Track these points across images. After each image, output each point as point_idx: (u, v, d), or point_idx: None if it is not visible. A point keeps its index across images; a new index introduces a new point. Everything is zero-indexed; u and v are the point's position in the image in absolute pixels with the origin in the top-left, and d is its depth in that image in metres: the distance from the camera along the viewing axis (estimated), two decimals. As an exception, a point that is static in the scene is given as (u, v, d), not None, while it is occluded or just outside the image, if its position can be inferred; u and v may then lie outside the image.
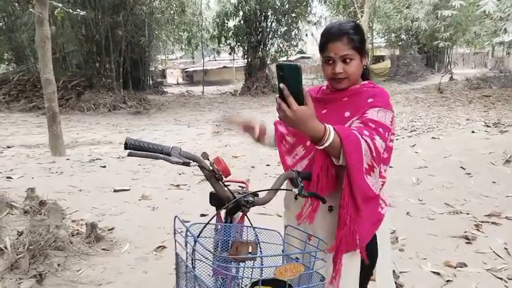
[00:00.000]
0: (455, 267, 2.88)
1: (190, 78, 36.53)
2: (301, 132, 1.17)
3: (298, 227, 1.26)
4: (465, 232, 3.37)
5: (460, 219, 3.68)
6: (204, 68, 25.68)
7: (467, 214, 3.74)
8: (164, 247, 3.33)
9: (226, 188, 1.10)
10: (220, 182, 1.10)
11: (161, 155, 1.04)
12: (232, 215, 1.13)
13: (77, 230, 3.52)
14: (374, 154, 1.27)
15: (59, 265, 2.84)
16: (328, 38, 1.42)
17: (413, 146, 6.16)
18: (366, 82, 1.51)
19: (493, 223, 3.54)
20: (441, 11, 12.13)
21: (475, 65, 34.96)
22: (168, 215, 4.07)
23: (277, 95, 1.11)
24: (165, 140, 8.67)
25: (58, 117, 6.85)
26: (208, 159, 1.11)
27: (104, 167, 6.05)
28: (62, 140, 6.96)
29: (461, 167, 4.88)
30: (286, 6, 20.88)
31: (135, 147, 1.02)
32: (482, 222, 3.56)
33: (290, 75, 1.09)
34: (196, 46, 24.30)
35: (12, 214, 3.53)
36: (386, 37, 28.24)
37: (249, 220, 1.10)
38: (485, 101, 13.30)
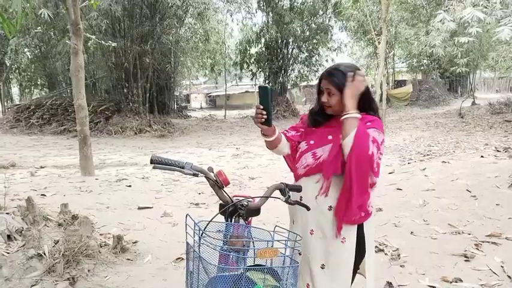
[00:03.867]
0: (451, 282, 3.06)
1: (213, 102, 37.47)
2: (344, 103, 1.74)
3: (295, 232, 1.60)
4: (465, 251, 3.55)
5: (461, 239, 3.85)
6: (227, 92, 26.40)
7: (469, 234, 3.92)
8: (182, 259, 3.63)
9: (226, 194, 1.42)
10: (222, 190, 1.42)
11: (177, 168, 1.37)
12: (232, 216, 1.44)
13: (105, 242, 3.88)
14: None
15: (88, 271, 3.19)
16: (322, 75, 1.90)
17: (424, 169, 6.34)
18: (363, 114, 1.90)
19: (492, 243, 3.70)
20: (458, 37, 12.29)
21: (500, 89, 34.56)
22: (187, 230, 4.43)
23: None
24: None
25: (89, 140, 7.36)
26: (212, 172, 1.44)
27: (130, 186, 6.45)
28: (92, 161, 7.45)
29: (468, 190, 5.04)
30: (307, 33, 21.46)
31: (158, 162, 1.36)
32: (483, 242, 3.73)
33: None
34: (219, 72, 25.12)
35: (48, 226, 3.93)
36: (407, 62, 28.41)
37: (249, 223, 1.42)
38: (507, 126, 13.23)
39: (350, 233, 1.86)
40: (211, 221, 1.33)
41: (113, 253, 3.63)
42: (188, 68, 25.38)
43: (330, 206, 1.82)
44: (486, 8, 11.04)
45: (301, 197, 1.85)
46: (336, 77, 1.80)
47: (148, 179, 7.11)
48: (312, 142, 1.91)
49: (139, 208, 5.23)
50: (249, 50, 22.16)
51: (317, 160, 1.83)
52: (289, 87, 22.77)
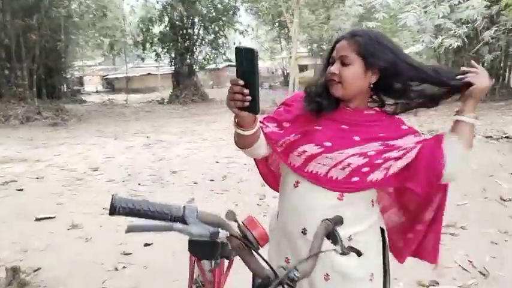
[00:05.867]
0: (428, 286, 2.79)
1: (110, 85, 34.79)
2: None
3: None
4: (427, 246, 3.33)
5: (418, 232, 3.65)
6: (127, 74, 24.48)
7: (425, 226, 3.73)
8: (107, 290, 2.83)
9: (263, 261, 0.75)
10: (256, 254, 0.75)
11: (175, 225, 0.66)
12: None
13: (-6, 275, 2.88)
14: None
15: (-29, 328, 2.24)
16: (338, 38, 1.30)
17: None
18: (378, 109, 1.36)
19: (450, 234, 3.56)
20: (365, 22, 12.73)
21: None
22: (105, 246, 3.54)
23: None
24: (91, 155, 7.85)
25: (-40, 133, 5.87)
26: (236, 221, 0.75)
27: (21, 190, 5.28)
28: (-34, 159, 5.97)
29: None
30: (214, 13, 20.67)
31: (128, 212, 0.64)
32: (441, 233, 3.55)
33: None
34: (118, 52, 23.07)
35: None
36: (308, 47, 29.17)
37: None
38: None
39: (377, 264, 1.45)
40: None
41: (7, 292, 2.67)
42: (81, 47, 22.93)
43: (350, 236, 1.33)
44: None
45: (305, 228, 1.31)
46: (361, 39, 1.23)
47: (44, 179, 5.95)
48: (328, 144, 1.26)
49: (38, 219, 4.20)
50: (152, 29, 20.58)
51: (362, 167, 1.27)
52: (197, 69, 21.76)
